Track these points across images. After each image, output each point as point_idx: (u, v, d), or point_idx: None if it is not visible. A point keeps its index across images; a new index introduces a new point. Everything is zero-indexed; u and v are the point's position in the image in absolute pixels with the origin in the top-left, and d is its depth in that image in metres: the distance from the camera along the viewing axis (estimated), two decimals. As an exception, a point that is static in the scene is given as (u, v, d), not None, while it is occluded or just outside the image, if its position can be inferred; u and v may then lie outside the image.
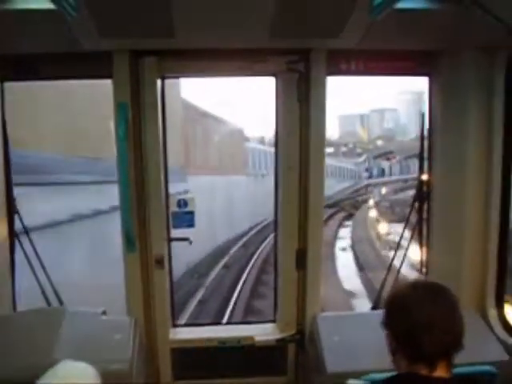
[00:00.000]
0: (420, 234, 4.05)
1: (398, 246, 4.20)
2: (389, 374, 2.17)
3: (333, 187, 41.95)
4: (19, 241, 3.88)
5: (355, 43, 3.42)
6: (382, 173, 66.95)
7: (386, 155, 70.76)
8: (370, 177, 62.97)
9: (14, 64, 3.61)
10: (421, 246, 4.06)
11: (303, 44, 3.56)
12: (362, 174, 62.17)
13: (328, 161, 33.93)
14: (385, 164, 68.98)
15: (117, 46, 3.50)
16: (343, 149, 77.09)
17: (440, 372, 2.03)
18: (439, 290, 2.13)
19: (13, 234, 3.83)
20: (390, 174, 65.52)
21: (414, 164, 69.10)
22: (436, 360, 2.02)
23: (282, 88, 3.78)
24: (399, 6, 2.83)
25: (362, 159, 62.87)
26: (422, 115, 3.93)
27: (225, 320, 12.00)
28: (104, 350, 3.38)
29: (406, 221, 4.30)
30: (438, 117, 3.87)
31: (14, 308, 3.88)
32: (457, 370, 2.10)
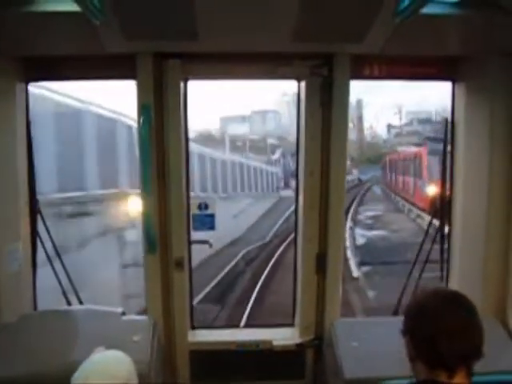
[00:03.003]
0: (441, 242, 4.03)
1: (418, 254, 4.16)
2: (407, 381, 2.16)
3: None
4: (41, 240, 3.92)
5: (379, 48, 3.41)
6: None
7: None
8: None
9: (38, 65, 3.65)
10: (442, 253, 4.03)
11: (327, 48, 3.56)
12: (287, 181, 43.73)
13: (221, 156, 23.91)
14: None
15: (141, 48, 3.52)
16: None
17: (459, 379, 2.01)
18: (459, 298, 2.12)
19: (35, 234, 3.88)
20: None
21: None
22: (455, 367, 2.01)
23: (304, 92, 3.77)
24: (423, 11, 2.82)
25: (276, 155, 47.46)
26: (446, 121, 3.91)
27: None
28: (123, 350, 3.38)
29: (426, 230, 4.29)
30: (461, 123, 3.84)
31: (35, 307, 3.92)
32: (477, 379, 2.08)
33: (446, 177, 3.97)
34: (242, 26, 3.14)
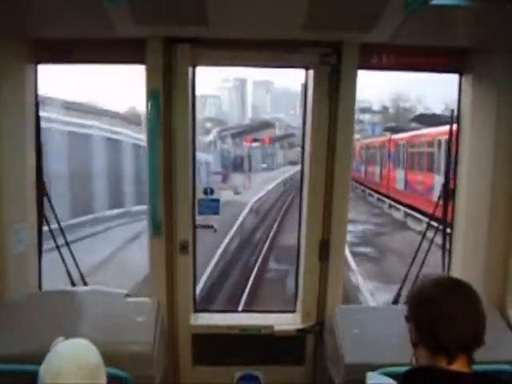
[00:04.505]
0: (444, 232, 4.06)
1: (420, 243, 4.19)
2: (407, 368, 2.20)
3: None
4: (47, 222, 3.96)
5: (388, 38, 3.43)
6: (241, 165, 37.23)
7: (254, 132, 42.92)
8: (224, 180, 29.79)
9: (49, 47, 3.67)
10: (444, 243, 4.06)
11: (336, 37, 3.57)
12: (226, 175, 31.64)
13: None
14: (245, 148, 39.58)
15: (151, 32, 3.53)
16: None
17: (459, 366, 2.06)
18: (462, 286, 2.18)
19: (41, 215, 3.91)
20: (250, 169, 36.67)
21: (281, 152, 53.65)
22: (455, 353, 2.06)
23: (312, 80, 3.78)
24: (433, 1, 2.83)
25: (211, 137, 35.77)
26: (452, 112, 3.93)
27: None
28: (127, 331, 3.44)
29: (429, 218, 4.31)
30: (467, 115, 3.86)
31: (40, 287, 3.97)
32: (475, 368, 2.12)
33: (450, 168, 4.00)
34: (253, 12, 3.15)
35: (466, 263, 3.88)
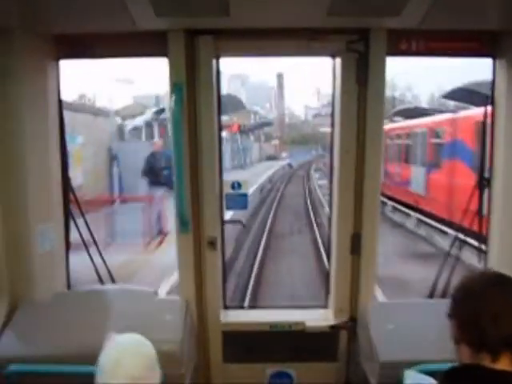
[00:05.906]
0: (480, 222, 3.93)
1: (456, 236, 4.07)
2: (448, 366, 2.10)
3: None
4: (74, 220, 3.94)
5: (416, 22, 3.32)
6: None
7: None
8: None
9: (70, 42, 3.65)
10: (480, 235, 3.94)
11: (362, 23, 3.48)
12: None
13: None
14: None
15: (172, 25, 3.49)
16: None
17: (504, 365, 1.94)
18: (508, 281, 2.05)
19: (67, 214, 3.89)
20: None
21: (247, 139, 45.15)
22: (499, 350, 1.94)
23: (340, 69, 3.69)
24: None
25: (140, 120, 27.11)
26: (486, 97, 3.80)
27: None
28: (156, 330, 3.39)
29: (464, 209, 4.19)
30: (501, 100, 3.72)
31: (69, 286, 3.95)
32: None
33: (485, 155, 3.87)
34: (275, 0, 3.08)
35: (503, 254, 3.75)
